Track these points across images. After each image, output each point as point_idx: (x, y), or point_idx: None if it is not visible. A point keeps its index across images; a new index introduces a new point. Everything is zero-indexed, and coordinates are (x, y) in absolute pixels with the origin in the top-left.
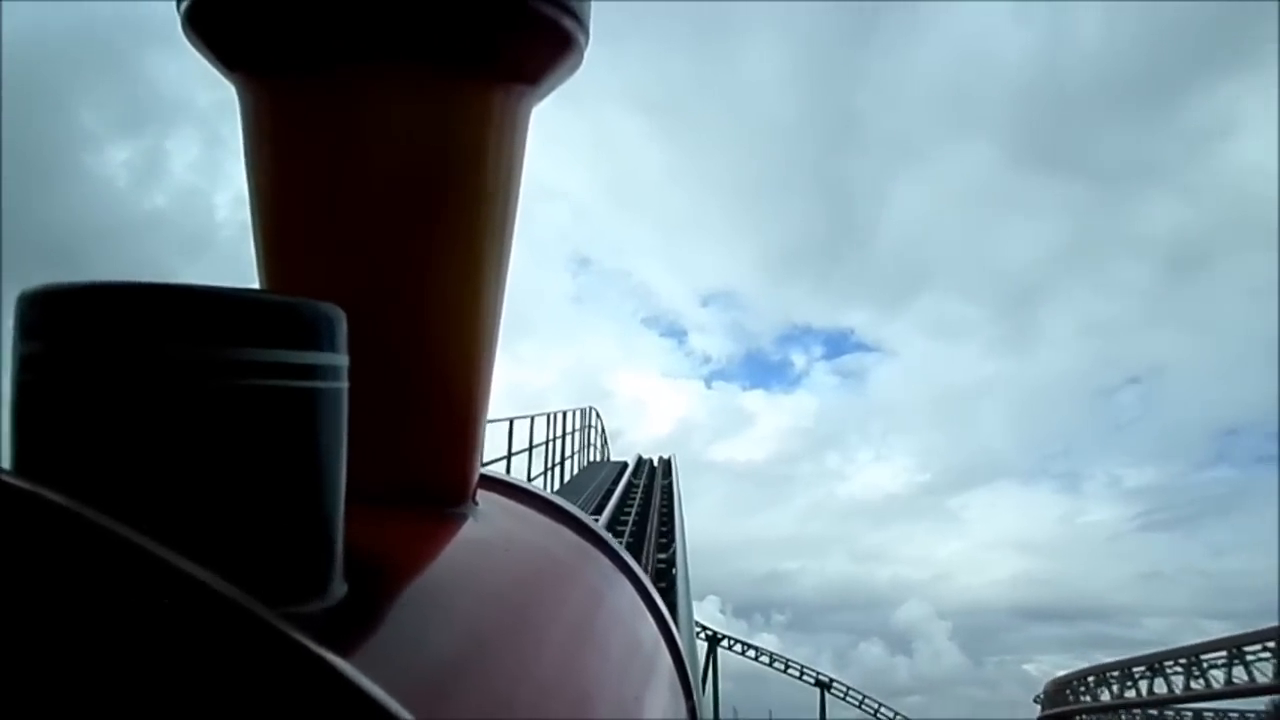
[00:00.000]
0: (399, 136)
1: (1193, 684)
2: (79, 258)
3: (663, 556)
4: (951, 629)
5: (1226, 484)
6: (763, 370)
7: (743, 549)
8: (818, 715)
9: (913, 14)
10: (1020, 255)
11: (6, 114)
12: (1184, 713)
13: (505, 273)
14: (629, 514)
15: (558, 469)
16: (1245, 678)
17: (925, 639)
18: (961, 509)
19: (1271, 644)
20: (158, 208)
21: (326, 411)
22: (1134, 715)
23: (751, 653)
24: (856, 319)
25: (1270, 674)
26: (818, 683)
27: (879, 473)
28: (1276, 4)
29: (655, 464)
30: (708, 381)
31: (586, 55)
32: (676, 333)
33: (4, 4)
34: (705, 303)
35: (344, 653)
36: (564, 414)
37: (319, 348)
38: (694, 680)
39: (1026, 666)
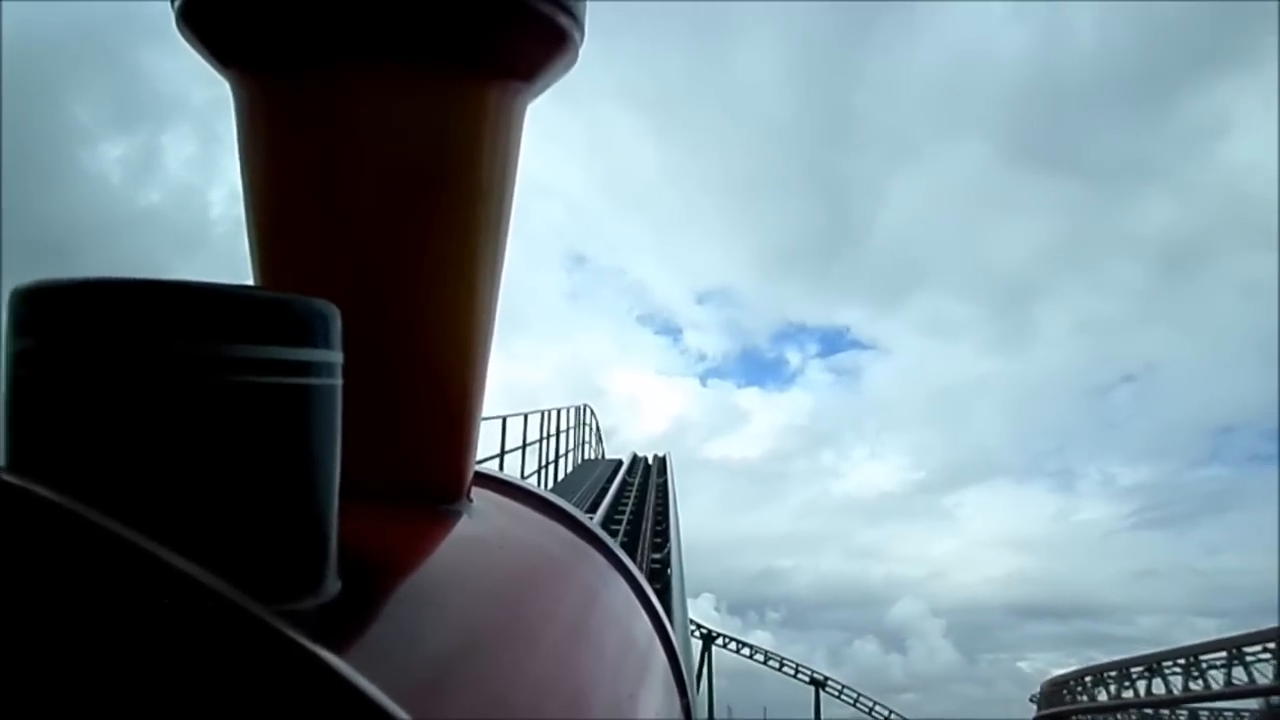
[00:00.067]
0: (394, 133)
1: (1191, 685)
2: (73, 254)
3: (657, 556)
4: (946, 627)
5: (1220, 482)
6: (758, 368)
7: (737, 546)
8: (812, 713)
9: (908, 13)
10: (1015, 254)
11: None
12: (1179, 713)
13: (500, 269)
14: (623, 513)
15: (551, 467)
16: (1245, 679)
17: (919, 637)
18: (956, 507)
19: (1272, 645)
20: (152, 204)
21: (320, 408)
22: (1130, 716)
23: (746, 651)
24: (851, 317)
25: (1270, 675)
26: (812, 681)
27: (873, 470)
28: (1276, 3)
29: (650, 462)
30: (703, 379)
31: (582, 52)
32: (671, 330)
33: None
34: (700, 300)
35: (338, 650)
36: (558, 411)
37: (313, 344)
38: (689, 678)
39: (1020, 664)
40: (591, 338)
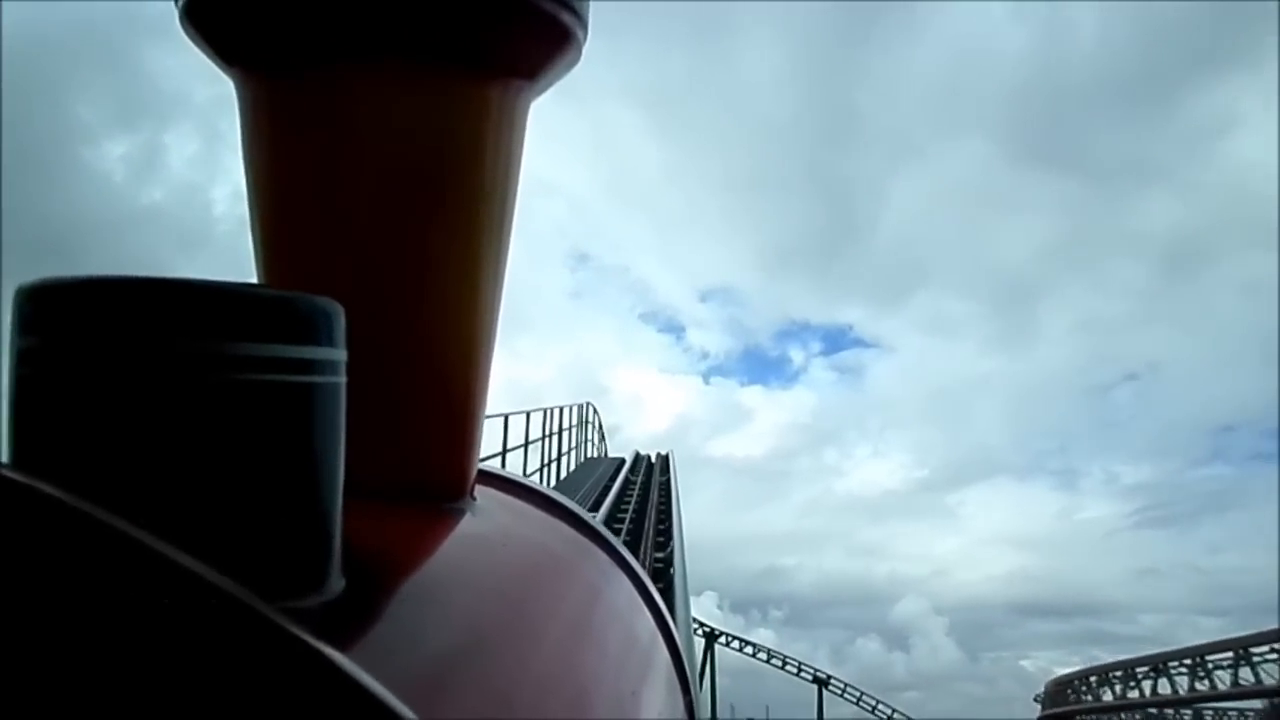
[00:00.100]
0: (397, 132)
1: (1198, 685)
2: (76, 252)
3: (660, 556)
4: (948, 625)
5: (1222, 481)
6: (761, 366)
7: (740, 544)
8: (815, 712)
9: (910, 12)
10: (1017, 252)
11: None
12: (1183, 713)
13: (504, 268)
14: (626, 511)
15: (553, 465)
16: (1251, 679)
17: (922, 635)
18: (959, 505)
19: (1279, 645)
20: (155, 202)
21: (324, 406)
22: (1135, 716)
23: (749, 649)
24: (854, 315)
25: (1278, 676)
26: (815, 679)
27: (876, 469)
28: (1276, 3)
29: (653, 460)
30: (706, 377)
31: (585, 51)
32: (674, 328)
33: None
34: (703, 298)
35: (342, 647)
36: (560, 409)
37: (317, 342)
38: (692, 676)
39: (1023, 662)
40: (594, 336)
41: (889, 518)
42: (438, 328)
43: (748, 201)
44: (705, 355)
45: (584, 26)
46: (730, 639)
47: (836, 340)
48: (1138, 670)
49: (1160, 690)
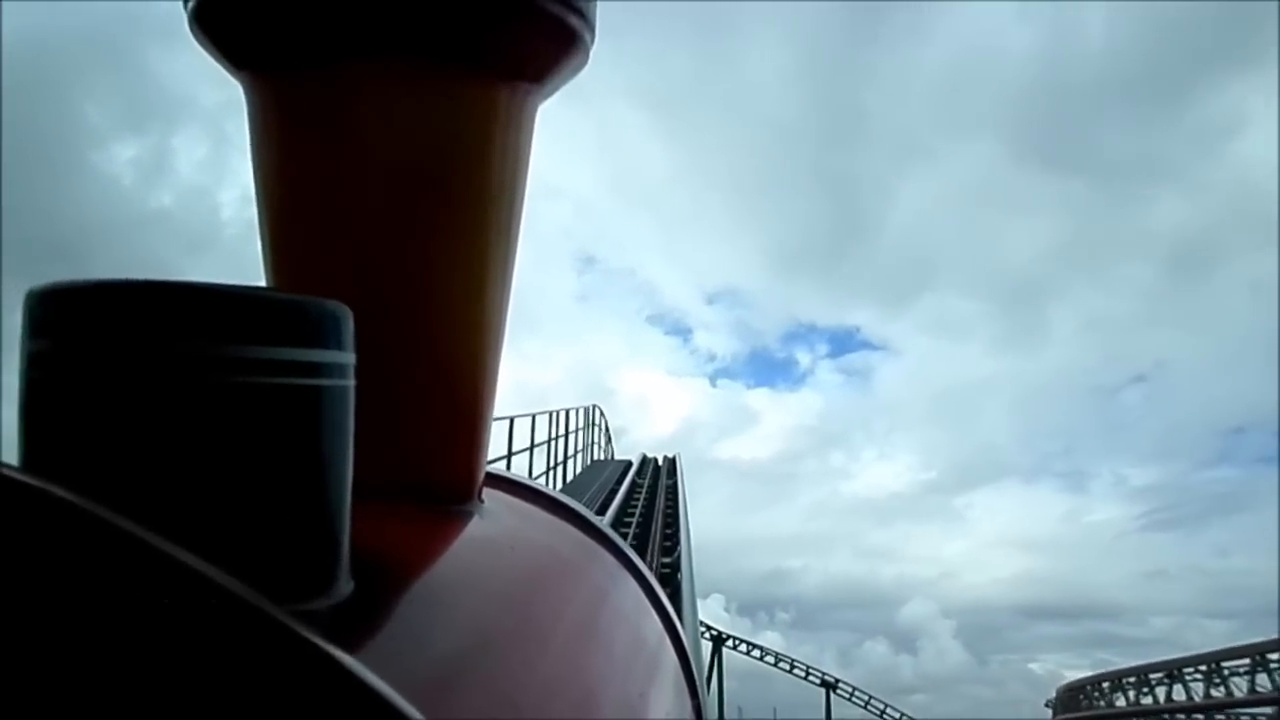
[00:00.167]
0: (405, 134)
1: (1213, 691)
2: (85, 255)
3: (667, 560)
4: (956, 627)
5: (1230, 483)
6: (767, 368)
7: (747, 547)
8: (823, 714)
9: (917, 12)
10: (1024, 253)
11: (13, 111)
12: (1195, 719)
13: (511, 270)
14: (633, 515)
15: (560, 468)
16: (1269, 685)
17: (930, 637)
18: (966, 507)
19: None
20: (164, 206)
21: (333, 409)
22: None
23: (757, 652)
24: (861, 317)
25: None
26: (823, 683)
27: (883, 471)
28: (1277, 3)
29: (660, 463)
30: (712, 380)
31: (592, 53)
32: (681, 331)
33: (13, 1)
34: (710, 301)
35: (350, 650)
36: (566, 412)
37: (325, 345)
38: (699, 678)
39: (1031, 665)
40: (601, 338)
41: (896, 520)
42: (445, 330)
43: (754, 203)
44: (712, 357)
45: (591, 29)
46: (738, 642)
47: (844, 342)
48: (1151, 676)
49: (1175, 696)
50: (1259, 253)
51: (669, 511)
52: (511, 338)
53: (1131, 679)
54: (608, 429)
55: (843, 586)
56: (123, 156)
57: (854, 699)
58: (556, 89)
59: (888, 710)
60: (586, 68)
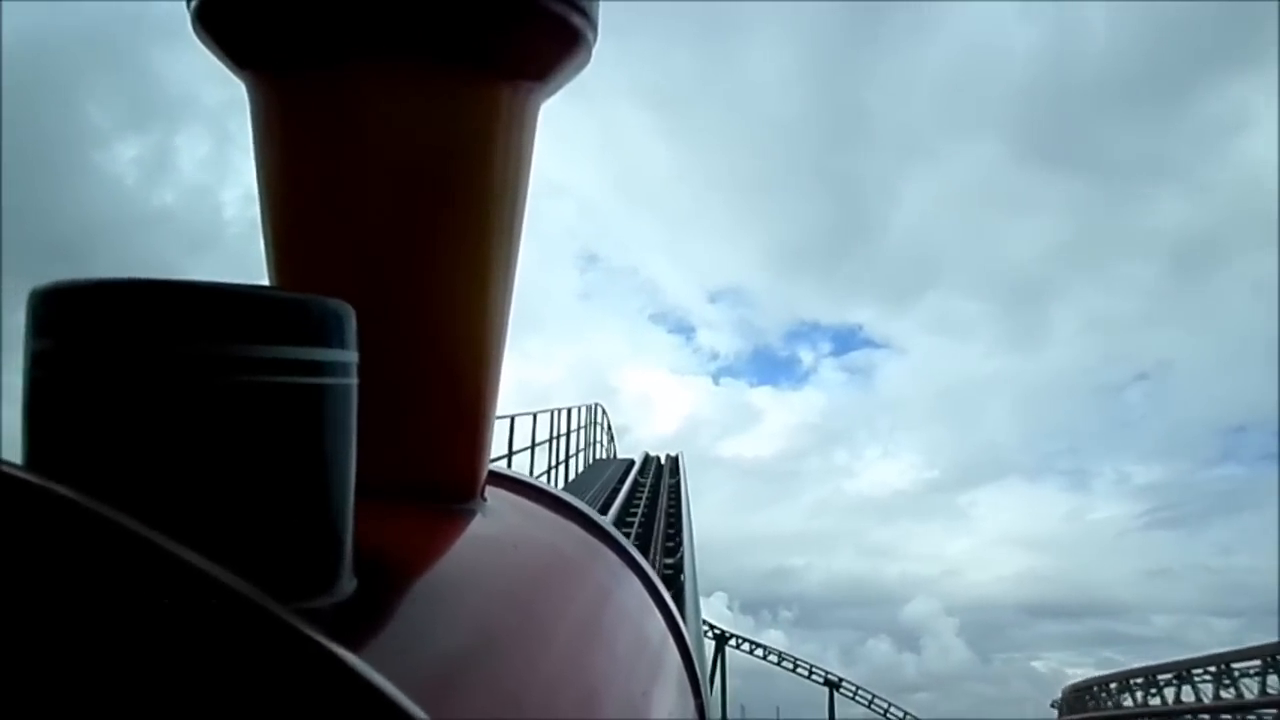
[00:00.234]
0: (407, 134)
1: (1223, 693)
2: (88, 254)
3: (670, 561)
4: (959, 625)
5: (1234, 481)
6: (770, 367)
7: (750, 545)
8: (826, 713)
9: (919, 11)
10: (1027, 252)
11: (16, 110)
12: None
13: (514, 269)
14: (635, 515)
15: (561, 467)
16: None
17: (933, 635)
18: (969, 505)
19: None
20: (166, 205)
21: (336, 408)
22: None
23: (760, 651)
24: (864, 315)
25: None
26: (826, 682)
27: (886, 469)
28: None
29: (662, 461)
30: (715, 378)
31: (595, 52)
32: (684, 329)
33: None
34: (713, 299)
35: (353, 648)
36: (568, 410)
37: (328, 344)
38: (702, 677)
39: (1034, 663)
40: (604, 337)
41: (899, 518)
42: (448, 329)
43: (757, 202)
44: (715, 356)
45: (594, 28)
46: (741, 641)
47: (846, 341)
48: (1160, 677)
49: (1184, 698)
50: (1260, 251)
51: (672, 511)
52: (514, 336)
53: (1139, 679)
54: (610, 427)
55: (846, 585)
56: (125, 156)
57: (857, 698)
58: (559, 88)
59: (891, 709)
60: (589, 66)
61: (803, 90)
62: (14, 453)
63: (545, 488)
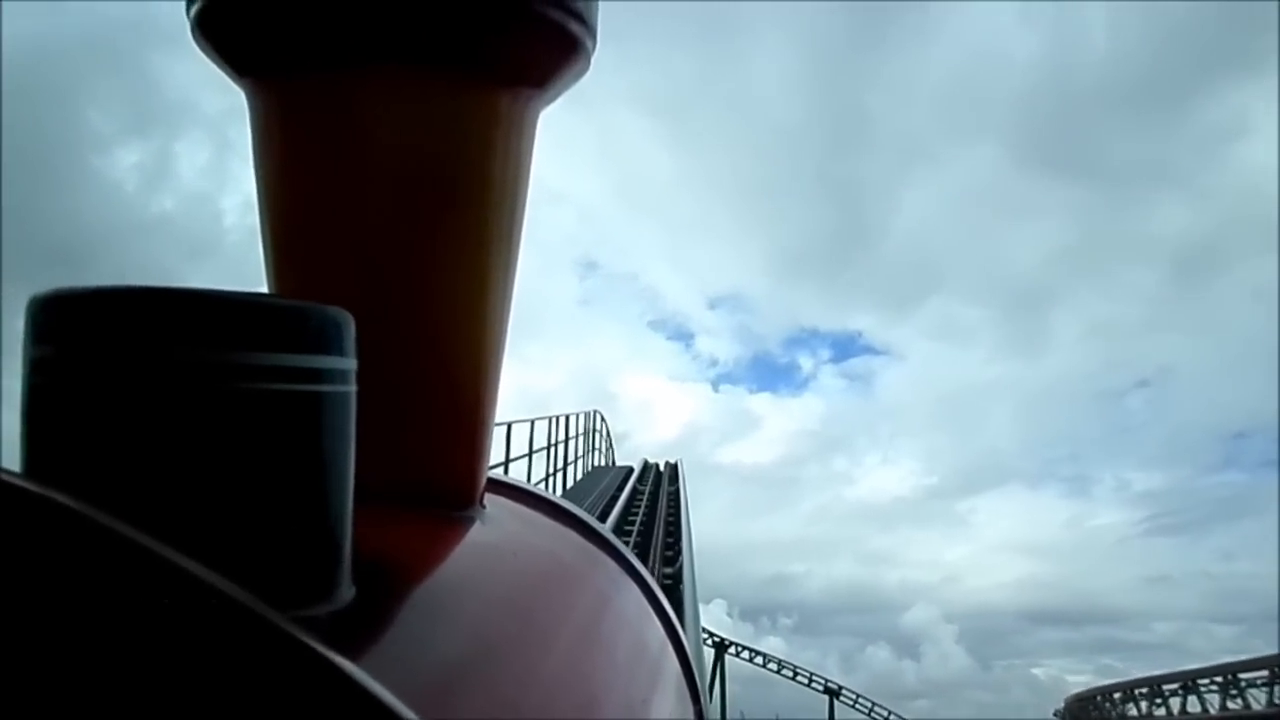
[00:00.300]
0: (407, 141)
1: (1229, 704)
2: (87, 260)
3: (669, 570)
4: (959, 632)
5: (1235, 487)
6: (770, 373)
7: (749, 552)
8: None
9: (920, 16)
10: (1028, 258)
11: (15, 115)
12: None
13: (513, 276)
14: (634, 522)
15: (559, 474)
16: None
17: (933, 642)
18: (969, 512)
19: None
20: (166, 211)
21: (334, 415)
22: None
23: (760, 659)
24: (864, 322)
25: None
26: (826, 690)
27: (886, 476)
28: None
29: (661, 469)
30: (715, 384)
31: (594, 58)
32: (684, 336)
33: (17, 3)
34: (712, 306)
35: (352, 656)
36: (567, 417)
37: (327, 351)
38: (701, 684)
39: (1035, 670)
40: (603, 343)
41: (899, 525)
42: (447, 335)
43: (757, 207)
44: (714, 362)
45: (593, 35)
46: (740, 649)
47: (846, 347)
48: (1165, 687)
49: (1190, 708)
50: (1261, 258)
51: (671, 519)
52: (513, 342)
53: (1144, 689)
54: (609, 434)
55: (845, 591)
56: (125, 162)
57: (857, 706)
58: (558, 95)
59: (891, 717)
60: (589, 73)
61: (803, 95)
62: (13, 460)
63: (544, 495)
